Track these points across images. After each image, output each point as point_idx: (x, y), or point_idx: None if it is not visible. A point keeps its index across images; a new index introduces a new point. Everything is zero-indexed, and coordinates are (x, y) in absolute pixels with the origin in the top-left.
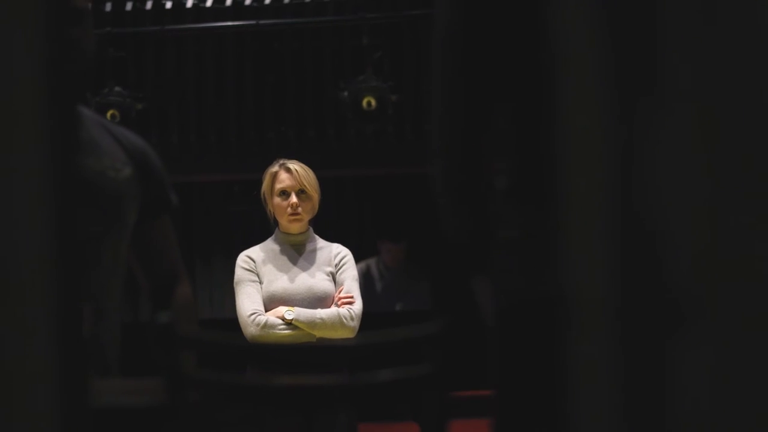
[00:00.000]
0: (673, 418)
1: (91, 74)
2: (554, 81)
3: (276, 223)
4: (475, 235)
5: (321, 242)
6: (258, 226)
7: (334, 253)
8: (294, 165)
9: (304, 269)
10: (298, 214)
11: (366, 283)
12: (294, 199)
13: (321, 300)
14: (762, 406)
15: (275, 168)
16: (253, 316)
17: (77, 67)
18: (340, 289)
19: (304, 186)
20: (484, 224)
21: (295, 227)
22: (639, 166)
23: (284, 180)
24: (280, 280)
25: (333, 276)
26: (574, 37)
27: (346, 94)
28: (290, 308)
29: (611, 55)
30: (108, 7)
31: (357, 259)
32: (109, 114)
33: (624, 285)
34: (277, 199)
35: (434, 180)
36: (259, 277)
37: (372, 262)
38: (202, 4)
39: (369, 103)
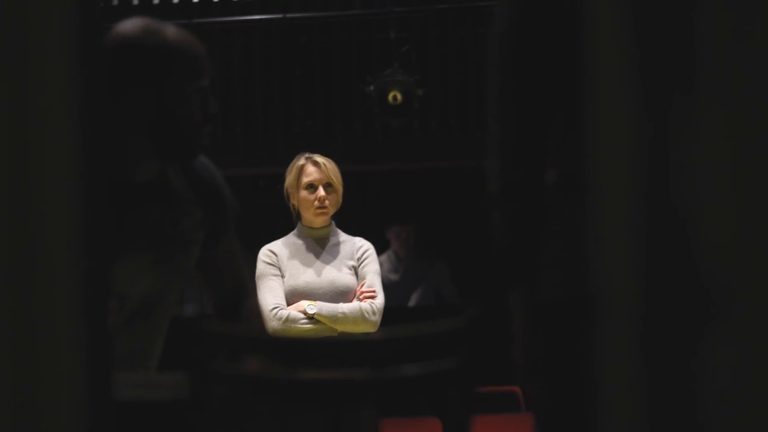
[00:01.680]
0: (702, 413)
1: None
2: (589, 78)
3: (298, 216)
4: (522, 240)
5: (343, 236)
6: (281, 221)
7: (356, 247)
8: (320, 158)
9: (327, 263)
10: (325, 207)
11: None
12: (322, 192)
13: (343, 294)
14: None
15: (302, 161)
16: (275, 311)
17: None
18: (362, 283)
19: (331, 179)
20: (535, 226)
21: (320, 221)
22: (671, 162)
23: (312, 173)
24: (302, 274)
25: (355, 270)
26: (607, 35)
27: (372, 88)
28: (312, 302)
29: (646, 53)
30: (136, 0)
31: (379, 253)
32: None
33: (654, 279)
34: (303, 192)
35: (490, 179)
36: (281, 271)
37: (384, 257)
38: None
39: (395, 97)
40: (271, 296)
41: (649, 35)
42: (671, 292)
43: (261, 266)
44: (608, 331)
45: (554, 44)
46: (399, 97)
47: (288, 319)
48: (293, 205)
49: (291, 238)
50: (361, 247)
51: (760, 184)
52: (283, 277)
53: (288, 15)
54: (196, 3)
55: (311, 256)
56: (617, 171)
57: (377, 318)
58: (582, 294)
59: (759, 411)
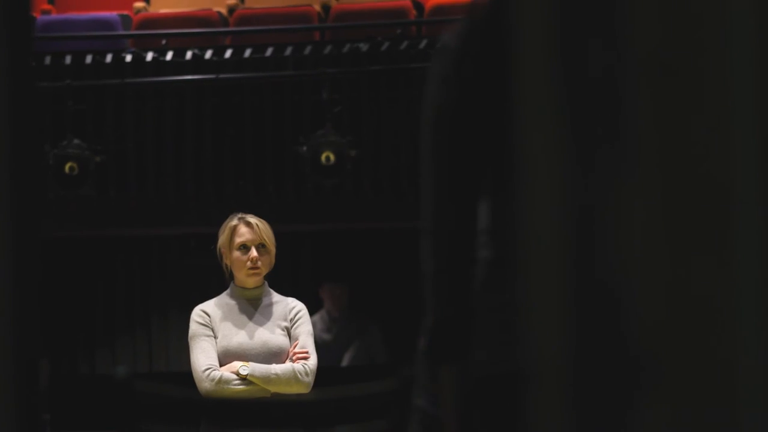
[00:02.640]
0: None
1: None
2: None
3: (231, 276)
4: (455, 317)
5: (276, 296)
6: (214, 281)
7: (289, 308)
8: (253, 219)
9: (260, 324)
10: (257, 267)
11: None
12: (254, 253)
13: (276, 355)
14: None
15: (234, 222)
16: (207, 371)
17: None
18: (295, 344)
19: (264, 240)
20: (468, 302)
21: (253, 281)
22: (598, 231)
23: (244, 234)
24: (235, 335)
25: (288, 331)
26: (534, 93)
27: (305, 148)
28: (245, 363)
29: (572, 109)
30: (68, 59)
31: (312, 313)
32: (67, 166)
33: (583, 350)
34: (236, 253)
35: (423, 259)
36: (213, 332)
37: (317, 316)
38: (162, 58)
39: (328, 158)
40: (203, 357)
41: (574, 93)
42: (601, 362)
43: (194, 327)
44: (540, 403)
45: (484, 123)
46: (332, 157)
47: (221, 380)
48: (226, 264)
49: (224, 298)
50: (294, 308)
51: (691, 246)
52: (215, 337)
53: (220, 75)
54: (128, 62)
55: (244, 317)
56: (546, 241)
57: (310, 379)
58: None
59: None
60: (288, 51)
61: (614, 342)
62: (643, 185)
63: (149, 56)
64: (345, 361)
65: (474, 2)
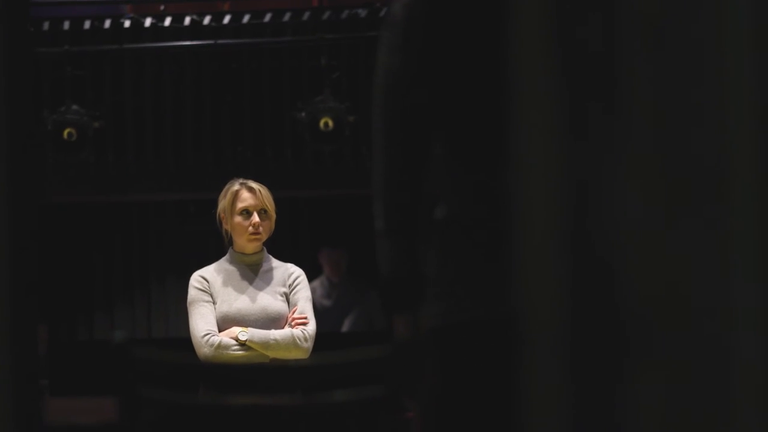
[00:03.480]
0: None
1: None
2: (509, 94)
3: (230, 242)
4: (412, 269)
5: (275, 262)
6: (213, 247)
7: (288, 273)
8: (255, 184)
9: (259, 290)
10: (258, 233)
11: (314, 303)
12: (257, 218)
13: (275, 321)
14: (709, 428)
15: (236, 187)
16: (206, 337)
17: None
18: (294, 309)
19: (266, 206)
20: (421, 258)
21: (253, 246)
22: (594, 187)
23: (247, 199)
24: (234, 301)
25: (287, 296)
26: (530, 66)
27: (303, 114)
28: (244, 329)
29: (566, 62)
30: (66, 25)
31: (312, 279)
32: (65, 132)
33: (576, 308)
34: (238, 218)
35: (376, 217)
36: (212, 298)
37: (317, 282)
38: (160, 24)
39: (326, 124)
40: (202, 323)
41: (570, 51)
42: (594, 329)
43: (193, 292)
44: (535, 368)
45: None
46: (330, 123)
47: (220, 346)
48: (226, 230)
49: (223, 264)
50: (292, 273)
51: (684, 206)
52: (214, 303)
53: (219, 41)
54: (127, 28)
55: (243, 283)
56: (542, 210)
57: (309, 345)
58: (489, 319)
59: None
60: (286, 17)
61: (607, 309)
62: (638, 155)
63: (147, 22)
64: (345, 327)
65: None
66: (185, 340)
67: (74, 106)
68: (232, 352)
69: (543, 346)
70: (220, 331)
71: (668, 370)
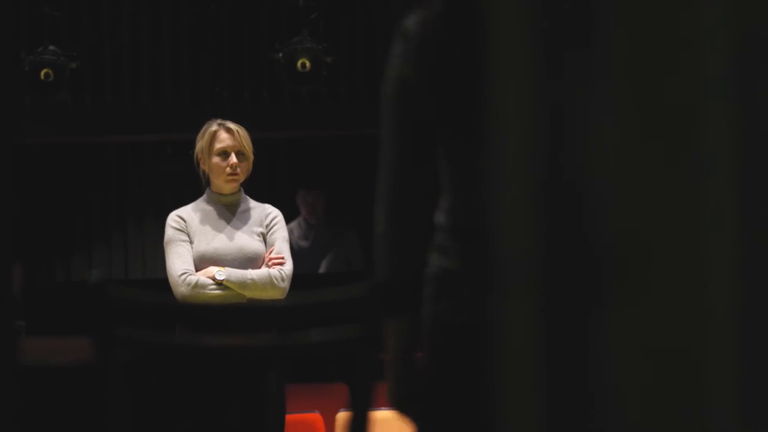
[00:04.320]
0: (596, 380)
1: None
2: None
3: (208, 183)
4: (409, 273)
5: (252, 203)
6: (190, 187)
7: (265, 213)
8: (233, 125)
9: (236, 229)
10: (236, 174)
11: (291, 244)
12: (234, 159)
13: (252, 260)
14: (682, 367)
15: (214, 127)
16: (183, 276)
17: None
18: (271, 249)
19: (244, 147)
20: (421, 261)
21: (230, 187)
22: (568, 127)
23: (225, 140)
24: (210, 240)
25: (264, 237)
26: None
27: (281, 55)
28: (221, 268)
29: (544, 14)
30: None
31: (290, 220)
32: (42, 73)
33: (550, 246)
34: (216, 159)
35: (376, 219)
36: (189, 237)
37: (294, 223)
38: None
39: (304, 65)
40: (179, 262)
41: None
42: (567, 263)
43: (170, 232)
44: (509, 303)
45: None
46: (308, 64)
47: (197, 285)
48: (203, 171)
49: (200, 204)
50: (269, 214)
51: (660, 147)
52: (191, 243)
53: None
54: None
55: (220, 223)
56: (515, 142)
57: (286, 284)
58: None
59: (652, 377)
60: None
61: (581, 243)
62: (613, 89)
63: None
64: (322, 268)
65: None
66: (163, 281)
67: (51, 47)
68: (208, 292)
69: (515, 278)
70: (197, 270)
71: (643, 305)
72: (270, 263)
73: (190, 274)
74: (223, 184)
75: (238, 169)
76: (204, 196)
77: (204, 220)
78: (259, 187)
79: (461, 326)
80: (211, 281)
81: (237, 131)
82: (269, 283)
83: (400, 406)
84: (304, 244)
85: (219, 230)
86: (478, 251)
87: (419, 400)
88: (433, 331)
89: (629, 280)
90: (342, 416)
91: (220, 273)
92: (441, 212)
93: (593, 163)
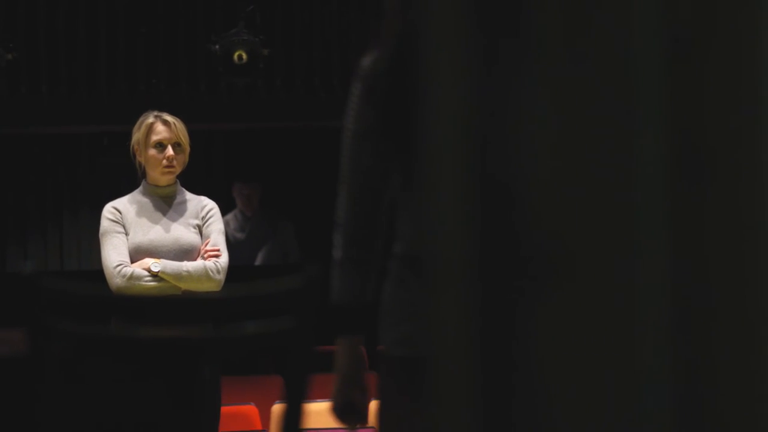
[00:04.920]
0: (524, 373)
1: None
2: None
3: (144, 174)
4: (359, 298)
5: (188, 195)
6: (126, 179)
7: (201, 206)
8: (170, 117)
9: (172, 221)
10: (173, 166)
11: (227, 236)
12: (170, 151)
13: (187, 252)
14: (611, 363)
15: (150, 119)
16: (118, 268)
17: None
18: (207, 241)
19: (180, 139)
20: (374, 288)
21: (166, 179)
22: (500, 121)
23: (161, 132)
24: (146, 232)
25: (200, 229)
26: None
27: (217, 47)
28: (156, 260)
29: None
30: None
31: (224, 213)
32: None
33: (481, 243)
34: (152, 151)
35: (335, 247)
36: (125, 229)
37: (231, 215)
38: None
39: (240, 57)
40: (115, 253)
41: None
42: (497, 256)
43: (105, 223)
44: (439, 296)
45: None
46: (244, 56)
47: (132, 277)
48: (139, 162)
49: (136, 195)
50: (205, 206)
51: (594, 139)
52: (127, 234)
53: None
54: None
55: (156, 214)
56: (447, 130)
57: (221, 277)
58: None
59: (579, 369)
60: None
61: (511, 236)
62: (546, 76)
63: None
64: (258, 260)
65: (385, 24)
66: (99, 273)
67: None
68: (144, 283)
69: (448, 279)
70: (132, 262)
71: (571, 299)
72: (206, 255)
73: (126, 266)
74: (159, 176)
75: (175, 162)
76: (140, 188)
77: (140, 212)
78: (195, 179)
79: (402, 360)
80: (146, 273)
81: (174, 123)
82: (205, 275)
83: (342, 420)
84: (240, 236)
85: (155, 222)
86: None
87: (360, 418)
88: (384, 360)
89: (560, 275)
90: (277, 408)
91: (156, 265)
92: (397, 241)
93: (524, 153)
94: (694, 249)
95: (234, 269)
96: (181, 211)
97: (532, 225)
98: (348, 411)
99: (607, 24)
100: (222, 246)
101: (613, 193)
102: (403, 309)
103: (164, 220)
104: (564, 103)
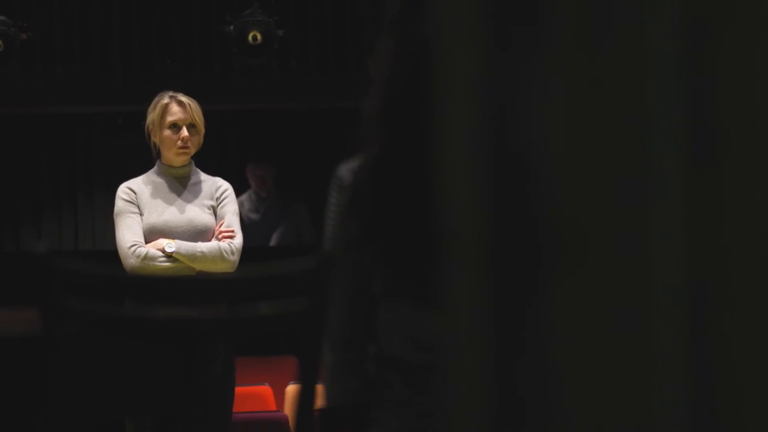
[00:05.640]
0: (540, 353)
1: None
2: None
3: (158, 155)
4: (352, 400)
5: (203, 176)
6: (141, 160)
7: (215, 187)
8: (185, 98)
9: (186, 202)
10: (187, 147)
11: (241, 217)
12: (185, 132)
13: (201, 233)
14: (628, 343)
15: (166, 100)
16: (133, 248)
17: None
18: (221, 222)
19: (195, 120)
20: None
21: (181, 160)
22: (516, 103)
23: (176, 113)
24: (161, 212)
25: (214, 210)
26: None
27: (232, 28)
28: (171, 240)
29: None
30: None
31: (240, 194)
32: None
33: (497, 222)
34: (167, 132)
35: (325, 352)
36: (139, 209)
37: (245, 196)
38: None
39: (255, 38)
40: (129, 233)
41: None
42: (513, 239)
43: (120, 204)
44: (456, 276)
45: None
46: (259, 37)
47: (146, 257)
48: (154, 143)
49: (151, 176)
50: (220, 187)
51: (608, 126)
52: (141, 215)
53: None
54: None
55: (171, 195)
56: (462, 116)
57: (235, 258)
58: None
59: (599, 351)
60: None
61: (527, 219)
62: (562, 63)
63: None
64: (273, 241)
65: (363, 140)
66: (113, 253)
67: (1, 17)
68: (158, 264)
69: (462, 256)
70: (146, 242)
71: (586, 284)
72: (220, 236)
73: (140, 246)
74: (173, 156)
75: (189, 143)
76: (155, 169)
77: (154, 193)
78: (210, 159)
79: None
80: (160, 253)
81: (188, 104)
82: (219, 256)
83: None
84: (254, 217)
85: (169, 203)
86: (406, 384)
87: None
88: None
89: (574, 259)
90: (291, 389)
91: (170, 245)
92: (374, 343)
93: (541, 138)
94: (711, 233)
95: (248, 250)
96: (195, 191)
97: (547, 211)
98: None
99: (622, 7)
100: (236, 227)
101: (627, 175)
102: (389, 409)
103: (179, 200)
104: (577, 86)
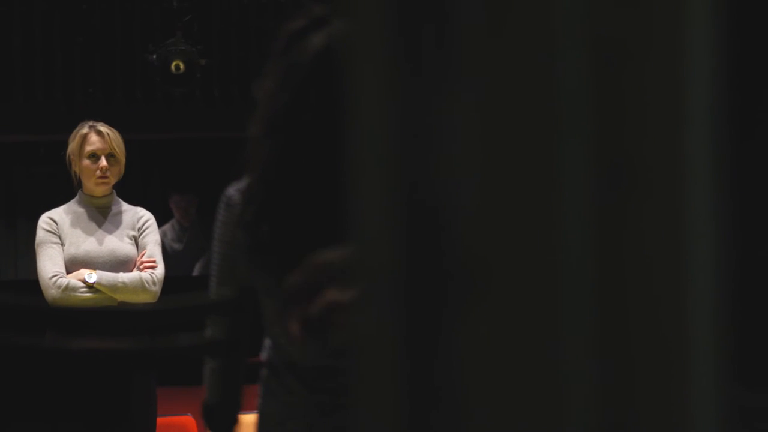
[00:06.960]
0: (448, 386)
1: None
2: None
3: (80, 185)
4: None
5: (124, 206)
6: (62, 189)
7: (137, 217)
8: (104, 128)
9: (108, 232)
10: (106, 177)
11: (164, 246)
12: (104, 162)
13: (123, 264)
14: (532, 375)
15: (85, 129)
16: (54, 278)
17: None
18: (143, 253)
19: (114, 150)
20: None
21: (101, 190)
22: (424, 139)
23: (95, 142)
24: (82, 243)
25: (136, 240)
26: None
27: (155, 57)
28: (92, 271)
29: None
30: None
31: (161, 224)
32: None
33: (405, 259)
34: (86, 162)
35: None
36: (61, 239)
37: (168, 226)
38: None
39: (177, 67)
40: (50, 264)
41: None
42: (421, 270)
43: (41, 234)
44: (363, 304)
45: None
46: (182, 66)
47: (67, 288)
48: (75, 172)
49: (72, 206)
50: (141, 217)
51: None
52: (63, 245)
53: None
54: None
55: (92, 225)
56: (373, 146)
57: (157, 288)
58: None
59: (502, 383)
60: None
61: (434, 254)
62: (469, 89)
63: None
64: (196, 271)
65: (248, 160)
66: (34, 283)
67: None
68: (79, 295)
69: (375, 292)
70: (68, 273)
71: (493, 320)
72: (141, 267)
73: (61, 277)
74: (93, 186)
75: (108, 173)
76: (76, 199)
77: (75, 223)
78: (134, 189)
79: None
80: (81, 284)
81: (108, 134)
82: (140, 286)
83: None
84: (177, 246)
85: (90, 233)
86: (286, 390)
87: None
88: None
89: (480, 294)
90: None
91: (91, 276)
92: (266, 350)
93: (447, 167)
94: (617, 262)
95: (171, 280)
96: (116, 221)
97: (457, 244)
98: None
99: (529, 34)
100: (158, 257)
101: (539, 207)
102: (270, 418)
103: (100, 230)
104: (486, 118)
